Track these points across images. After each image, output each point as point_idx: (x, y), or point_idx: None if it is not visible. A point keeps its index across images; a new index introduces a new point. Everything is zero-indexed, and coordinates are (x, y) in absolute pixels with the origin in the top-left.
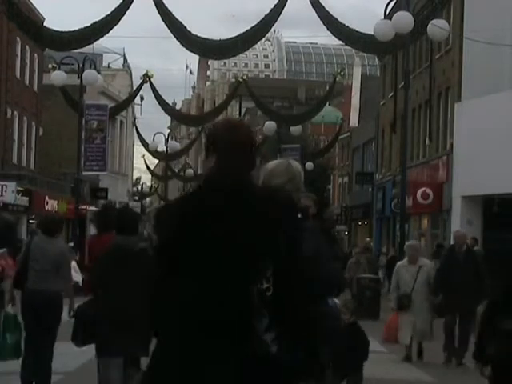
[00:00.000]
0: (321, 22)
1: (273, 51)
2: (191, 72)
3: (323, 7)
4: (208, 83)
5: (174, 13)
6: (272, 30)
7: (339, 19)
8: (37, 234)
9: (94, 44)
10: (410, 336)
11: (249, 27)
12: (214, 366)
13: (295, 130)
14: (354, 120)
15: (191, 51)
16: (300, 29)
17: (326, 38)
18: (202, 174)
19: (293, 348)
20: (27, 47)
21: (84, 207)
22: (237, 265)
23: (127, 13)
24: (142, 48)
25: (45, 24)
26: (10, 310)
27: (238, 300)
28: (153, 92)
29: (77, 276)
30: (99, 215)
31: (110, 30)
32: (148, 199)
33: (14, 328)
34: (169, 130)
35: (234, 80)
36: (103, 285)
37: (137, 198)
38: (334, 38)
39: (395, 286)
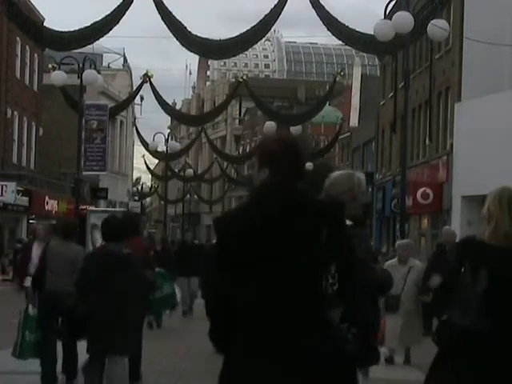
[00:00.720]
0: (320, 22)
1: (273, 51)
2: (190, 72)
3: (323, 7)
4: (208, 83)
5: (173, 13)
6: (272, 29)
7: (339, 19)
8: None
9: (94, 44)
10: (396, 339)
11: (248, 27)
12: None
13: (295, 129)
14: (353, 120)
15: (191, 51)
16: (300, 29)
17: (325, 38)
18: (254, 186)
19: (361, 339)
20: (27, 47)
21: (84, 207)
22: (300, 265)
23: (127, 13)
24: (141, 48)
25: (45, 24)
26: (30, 310)
27: (311, 294)
28: (153, 92)
29: None
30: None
31: (110, 30)
32: (148, 199)
33: (34, 327)
34: (169, 130)
35: (234, 80)
36: (91, 287)
37: (137, 197)
38: (333, 38)
39: None
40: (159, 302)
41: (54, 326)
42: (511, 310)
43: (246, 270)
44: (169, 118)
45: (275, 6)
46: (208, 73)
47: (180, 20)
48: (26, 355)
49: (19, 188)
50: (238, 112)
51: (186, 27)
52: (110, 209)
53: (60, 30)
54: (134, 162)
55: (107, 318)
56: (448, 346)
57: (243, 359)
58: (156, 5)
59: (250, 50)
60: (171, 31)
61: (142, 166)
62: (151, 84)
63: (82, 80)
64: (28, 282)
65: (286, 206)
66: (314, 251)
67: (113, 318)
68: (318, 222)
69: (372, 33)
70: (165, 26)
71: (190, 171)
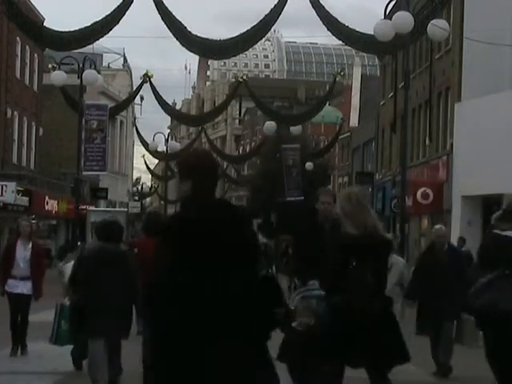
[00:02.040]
0: (320, 22)
1: (273, 51)
2: (189, 72)
3: (323, 7)
4: (208, 83)
5: (173, 13)
6: (272, 30)
7: (338, 19)
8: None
9: (94, 44)
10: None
11: (248, 27)
12: None
13: (295, 129)
14: (353, 120)
15: (191, 51)
16: (299, 29)
17: (325, 38)
18: (179, 196)
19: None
20: (27, 47)
21: (84, 207)
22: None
23: (127, 13)
24: (141, 48)
25: (45, 24)
26: (65, 302)
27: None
28: (153, 92)
29: None
30: (148, 221)
31: (110, 30)
32: (148, 199)
33: (69, 317)
34: (169, 130)
35: (234, 80)
36: (89, 280)
37: (137, 197)
38: (333, 38)
39: None
40: None
41: None
42: None
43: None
44: (169, 118)
45: (275, 5)
46: (208, 73)
47: (180, 20)
48: (62, 342)
49: (19, 188)
50: (238, 112)
51: (185, 27)
52: (110, 209)
53: (60, 30)
54: (134, 161)
55: (104, 304)
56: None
57: None
58: (156, 5)
59: (250, 50)
60: (171, 31)
61: (142, 165)
62: (151, 84)
63: (81, 80)
64: (12, 286)
65: (214, 211)
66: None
67: (109, 304)
68: (232, 227)
69: (372, 33)
70: (164, 26)
71: None
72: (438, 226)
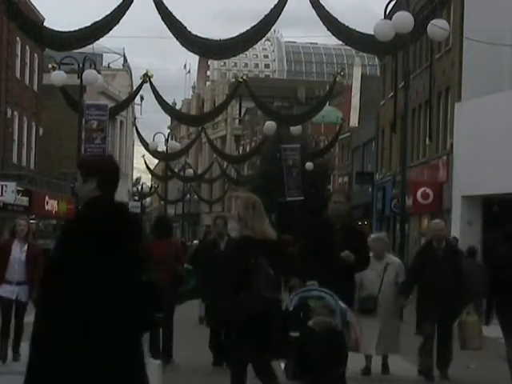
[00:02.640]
0: (318, 21)
1: (273, 51)
2: (189, 71)
3: (323, 7)
4: (208, 83)
5: (172, 12)
6: (272, 29)
7: (338, 19)
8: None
9: (94, 44)
10: (374, 345)
11: (247, 26)
12: None
13: (295, 129)
14: (353, 120)
15: (191, 51)
16: (298, 28)
17: (325, 38)
18: (81, 197)
19: None
20: (27, 47)
21: None
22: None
23: (127, 13)
24: (140, 48)
25: (45, 24)
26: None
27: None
28: (153, 92)
29: None
30: (158, 225)
31: (110, 30)
32: (148, 199)
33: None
34: (169, 130)
35: (234, 80)
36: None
37: (137, 197)
38: (333, 37)
39: (358, 285)
40: (187, 295)
41: None
42: None
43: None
44: (169, 118)
45: (275, 5)
46: (208, 73)
47: (180, 20)
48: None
49: (19, 188)
50: (238, 112)
51: (186, 27)
52: None
53: (60, 29)
54: (134, 161)
55: None
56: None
57: None
58: (156, 5)
59: (250, 50)
60: (171, 31)
61: (141, 165)
62: (151, 84)
63: (81, 80)
64: (6, 290)
65: (117, 209)
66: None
67: None
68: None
69: (372, 33)
70: (163, 25)
71: (189, 171)
72: (436, 221)
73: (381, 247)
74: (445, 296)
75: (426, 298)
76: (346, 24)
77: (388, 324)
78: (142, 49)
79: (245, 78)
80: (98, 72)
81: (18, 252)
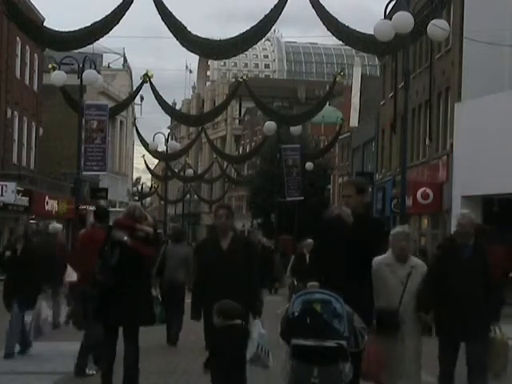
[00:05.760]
0: (316, 20)
1: (273, 51)
2: (191, 71)
3: (323, 7)
4: (208, 83)
5: (171, 12)
6: (272, 29)
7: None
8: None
9: (94, 44)
10: (391, 373)
11: (241, 24)
12: None
13: (295, 129)
14: (353, 120)
15: (191, 51)
16: (295, 27)
17: (325, 38)
18: None
19: None
20: (27, 47)
21: (84, 207)
22: None
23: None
24: (138, 48)
25: (45, 24)
26: (153, 291)
27: None
28: (153, 92)
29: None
30: (175, 233)
31: (110, 30)
32: (148, 199)
33: (156, 303)
34: (169, 130)
35: (234, 80)
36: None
37: (137, 197)
38: (331, 37)
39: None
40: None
41: (174, 301)
42: None
43: None
44: (169, 118)
45: (275, 5)
46: (208, 73)
47: (180, 20)
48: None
49: (19, 188)
50: (238, 112)
51: (186, 27)
52: (111, 209)
53: (60, 29)
54: (134, 162)
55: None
56: None
57: None
58: (156, 5)
59: (250, 50)
60: (171, 31)
61: (141, 165)
62: (151, 84)
63: (81, 80)
64: None
65: None
66: None
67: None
68: None
69: (372, 33)
70: (160, 25)
71: (190, 171)
72: (463, 211)
73: (405, 245)
74: (473, 309)
75: (448, 312)
76: (345, 24)
77: (411, 345)
78: (140, 49)
79: (245, 77)
80: (98, 72)
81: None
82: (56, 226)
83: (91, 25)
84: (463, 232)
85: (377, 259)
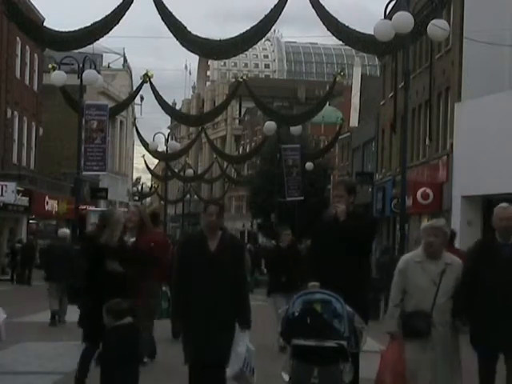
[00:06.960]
0: (316, 19)
1: (273, 51)
2: (190, 72)
3: (323, 7)
4: (208, 83)
5: (171, 11)
6: (272, 29)
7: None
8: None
9: (94, 44)
10: None
11: (240, 24)
12: None
13: (295, 129)
14: (353, 120)
15: (191, 51)
16: (294, 26)
17: (325, 38)
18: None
19: None
20: (27, 47)
21: (84, 207)
22: None
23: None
24: (140, 48)
25: (45, 24)
26: (163, 288)
27: None
28: (153, 92)
29: None
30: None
31: (110, 30)
32: (148, 199)
33: (166, 298)
34: (169, 130)
35: (233, 80)
36: None
37: (137, 197)
38: (331, 37)
39: (397, 295)
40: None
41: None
42: None
43: None
44: (169, 118)
45: (275, 5)
46: (208, 73)
47: (180, 20)
48: (161, 317)
49: (19, 188)
50: (238, 112)
51: (186, 27)
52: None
53: (60, 29)
54: (134, 162)
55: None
56: None
57: None
58: (156, 5)
59: (249, 50)
60: (171, 31)
61: (141, 165)
62: (151, 84)
63: (81, 80)
64: None
65: None
66: None
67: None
68: None
69: (371, 33)
70: (159, 25)
71: (190, 171)
72: (503, 205)
73: (433, 241)
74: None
75: (486, 318)
76: (344, 24)
77: (446, 354)
78: (140, 49)
79: (245, 77)
80: (98, 72)
81: None
82: (65, 231)
83: (91, 25)
84: (508, 226)
85: (405, 256)
